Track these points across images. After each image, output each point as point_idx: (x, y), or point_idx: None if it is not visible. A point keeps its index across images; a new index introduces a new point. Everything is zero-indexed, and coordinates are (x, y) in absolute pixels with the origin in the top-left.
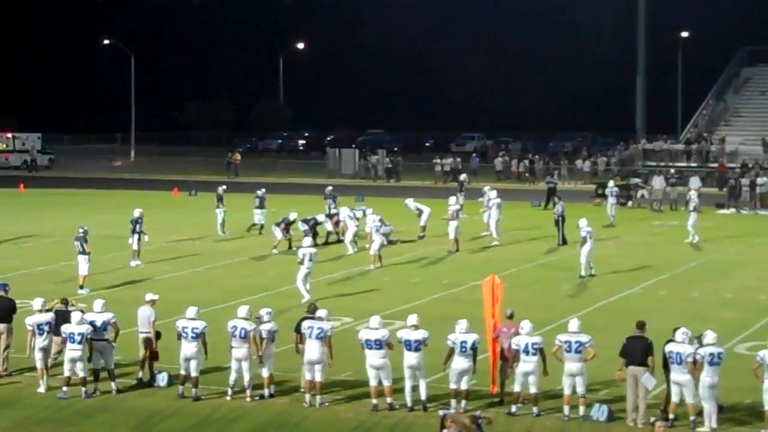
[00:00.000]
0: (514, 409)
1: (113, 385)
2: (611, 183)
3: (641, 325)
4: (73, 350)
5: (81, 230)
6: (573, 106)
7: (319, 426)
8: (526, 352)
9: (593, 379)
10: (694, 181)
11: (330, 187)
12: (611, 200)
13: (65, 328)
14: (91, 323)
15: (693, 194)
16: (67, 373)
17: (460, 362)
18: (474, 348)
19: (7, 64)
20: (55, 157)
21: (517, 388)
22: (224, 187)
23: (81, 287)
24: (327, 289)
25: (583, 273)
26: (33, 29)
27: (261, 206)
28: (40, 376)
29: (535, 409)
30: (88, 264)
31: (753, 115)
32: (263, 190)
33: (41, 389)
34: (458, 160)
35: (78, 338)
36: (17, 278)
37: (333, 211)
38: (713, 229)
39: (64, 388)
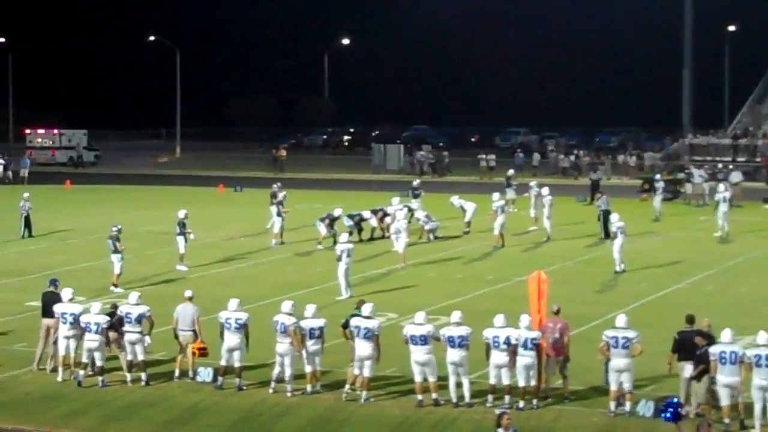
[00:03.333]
0: (522, 404)
1: (143, 376)
2: (658, 176)
3: (691, 320)
4: (90, 340)
5: (114, 229)
6: (619, 100)
7: (364, 422)
8: (525, 347)
9: (639, 375)
10: (736, 176)
11: (417, 180)
12: (659, 195)
13: (84, 318)
14: (126, 315)
15: (721, 187)
16: (84, 360)
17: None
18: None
19: (53, 62)
20: (101, 154)
21: (521, 382)
22: (278, 184)
23: (115, 286)
24: (372, 284)
25: (617, 268)
26: (78, 26)
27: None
28: (61, 364)
29: (535, 402)
30: (120, 263)
31: None
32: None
33: (59, 377)
34: (491, 156)
35: (94, 328)
36: (64, 274)
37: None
38: (761, 224)
39: (80, 372)
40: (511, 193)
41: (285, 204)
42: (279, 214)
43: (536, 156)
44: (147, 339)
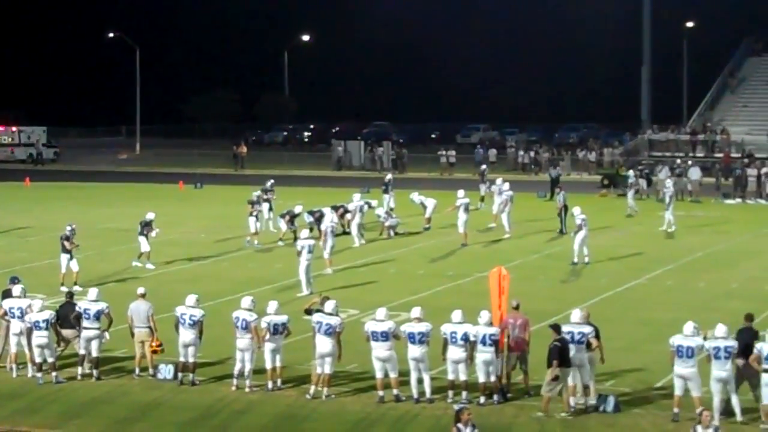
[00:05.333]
0: (483, 400)
1: (95, 372)
2: (631, 173)
3: (750, 317)
4: (39, 337)
5: (68, 228)
6: (579, 96)
7: (326, 418)
8: (483, 343)
9: (600, 370)
10: (694, 172)
11: (389, 176)
12: (632, 190)
13: (30, 317)
14: (84, 312)
15: (668, 183)
16: (37, 359)
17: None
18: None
19: (12, 58)
20: (61, 151)
21: (481, 378)
22: (272, 181)
23: (66, 285)
24: (333, 280)
25: (576, 260)
26: (38, 22)
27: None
28: (14, 361)
29: (496, 397)
30: (68, 263)
31: (759, 105)
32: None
33: (13, 374)
34: (452, 152)
35: (43, 325)
36: (24, 271)
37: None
38: (719, 218)
39: (39, 374)
40: (484, 189)
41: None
42: (251, 214)
43: (492, 152)
44: (106, 335)
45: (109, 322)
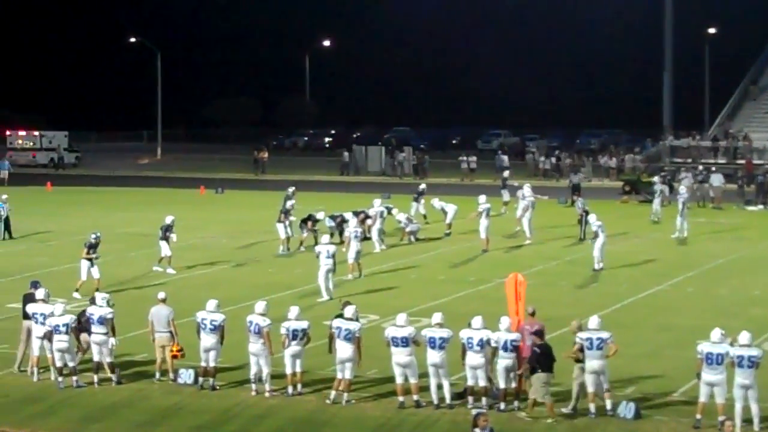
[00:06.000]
0: (503, 406)
1: (113, 377)
2: (656, 179)
3: None
4: (60, 341)
5: (93, 237)
6: (600, 102)
7: (346, 423)
8: (505, 349)
9: (620, 376)
10: (717, 178)
11: (423, 185)
12: (658, 197)
13: (51, 321)
14: (90, 317)
15: (683, 189)
16: (58, 363)
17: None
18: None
19: (33, 63)
20: (82, 155)
21: (502, 384)
22: (293, 188)
23: (80, 293)
24: (353, 286)
25: (596, 266)
26: (59, 27)
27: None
28: (36, 364)
29: (516, 403)
30: (88, 270)
31: None
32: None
33: (35, 378)
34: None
35: (63, 329)
36: (45, 275)
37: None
38: (741, 225)
39: (60, 378)
40: (506, 195)
41: (291, 213)
42: (280, 221)
43: (505, 158)
44: (112, 341)
45: (112, 329)
